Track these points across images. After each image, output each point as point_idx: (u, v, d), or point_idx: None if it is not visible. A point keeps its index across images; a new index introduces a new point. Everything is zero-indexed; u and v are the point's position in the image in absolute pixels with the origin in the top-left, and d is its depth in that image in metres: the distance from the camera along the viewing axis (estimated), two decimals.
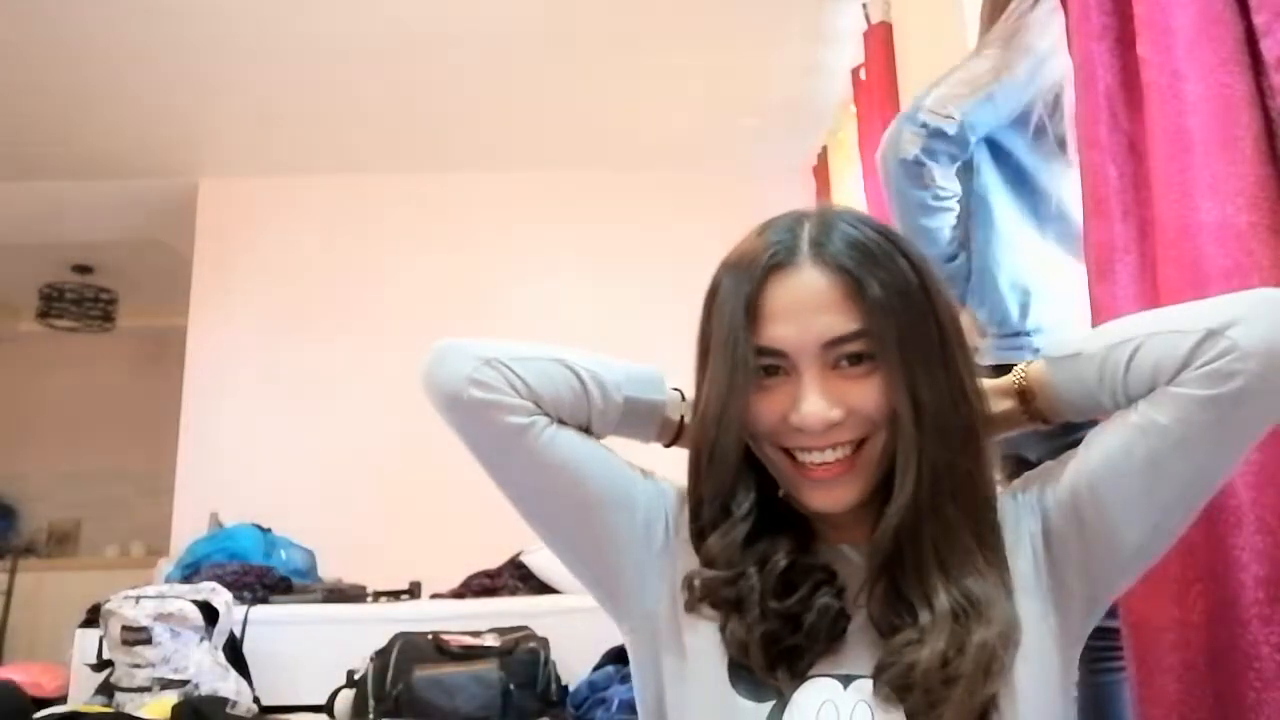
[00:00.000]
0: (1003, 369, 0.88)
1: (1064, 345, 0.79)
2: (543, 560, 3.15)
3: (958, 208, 1.45)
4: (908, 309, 0.76)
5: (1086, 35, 1.19)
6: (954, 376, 0.77)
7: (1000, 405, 0.82)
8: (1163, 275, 1.05)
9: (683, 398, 0.88)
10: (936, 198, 1.42)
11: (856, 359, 0.76)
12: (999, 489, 0.81)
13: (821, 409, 0.75)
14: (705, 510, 0.81)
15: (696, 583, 0.79)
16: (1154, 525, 0.74)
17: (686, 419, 0.87)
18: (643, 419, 0.87)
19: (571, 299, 3.98)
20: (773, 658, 0.74)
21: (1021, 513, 0.79)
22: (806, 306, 0.76)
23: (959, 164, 1.44)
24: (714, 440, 0.79)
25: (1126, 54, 1.15)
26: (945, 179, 1.42)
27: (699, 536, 0.82)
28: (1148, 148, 1.10)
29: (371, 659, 2.63)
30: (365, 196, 4.13)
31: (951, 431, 0.76)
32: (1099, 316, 1.15)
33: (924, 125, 1.40)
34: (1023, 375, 0.81)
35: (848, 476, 0.77)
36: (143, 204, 4.35)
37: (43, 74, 3.32)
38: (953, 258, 1.47)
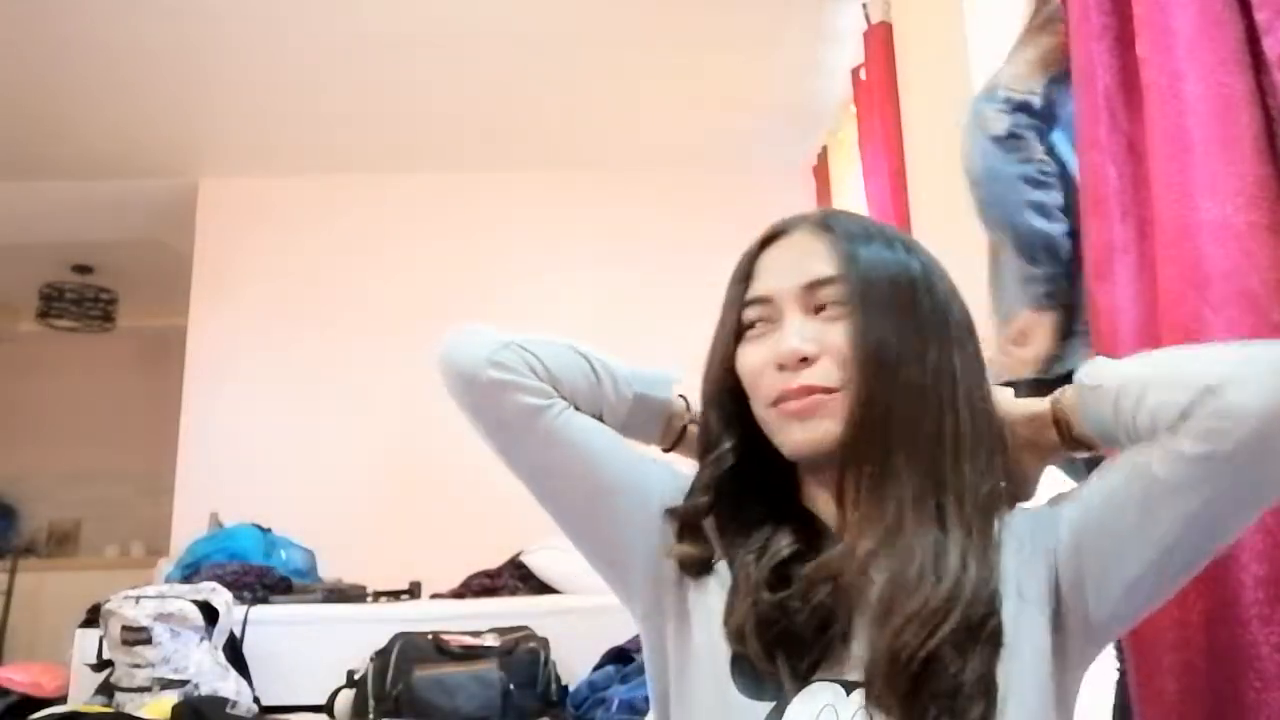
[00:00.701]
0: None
1: (1092, 374, 0.79)
2: (543, 560, 3.15)
3: (1061, 184, 1.39)
4: (894, 277, 0.80)
5: (1086, 35, 1.19)
6: (943, 357, 0.79)
7: (1044, 435, 0.82)
8: (1162, 275, 1.05)
9: (687, 406, 0.92)
10: (1042, 171, 1.38)
11: (829, 306, 0.80)
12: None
13: (796, 341, 0.79)
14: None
15: (677, 511, 0.83)
16: (1150, 562, 0.73)
17: (690, 426, 0.91)
18: (650, 417, 0.90)
19: (572, 299, 3.97)
20: (768, 644, 0.74)
21: (1041, 526, 0.79)
22: (792, 258, 0.83)
23: (1046, 140, 1.39)
24: (707, 395, 0.85)
25: (1126, 54, 1.15)
26: (1041, 153, 1.38)
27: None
28: (1147, 148, 1.10)
29: (371, 659, 2.63)
30: (365, 196, 4.13)
31: (923, 397, 0.78)
32: (1099, 317, 1.15)
33: (1007, 100, 1.37)
34: (1057, 402, 0.82)
35: (823, 412, 0.78)
36: (143, 204, 4.35)
37: (42, 73, 3.31)
38: (1072, 234, 1.37)
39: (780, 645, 0.74)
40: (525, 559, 3.22)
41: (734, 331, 0.84)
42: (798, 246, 0.84)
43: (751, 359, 0.82)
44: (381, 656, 2.62)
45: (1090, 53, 1.18)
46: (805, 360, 0.78)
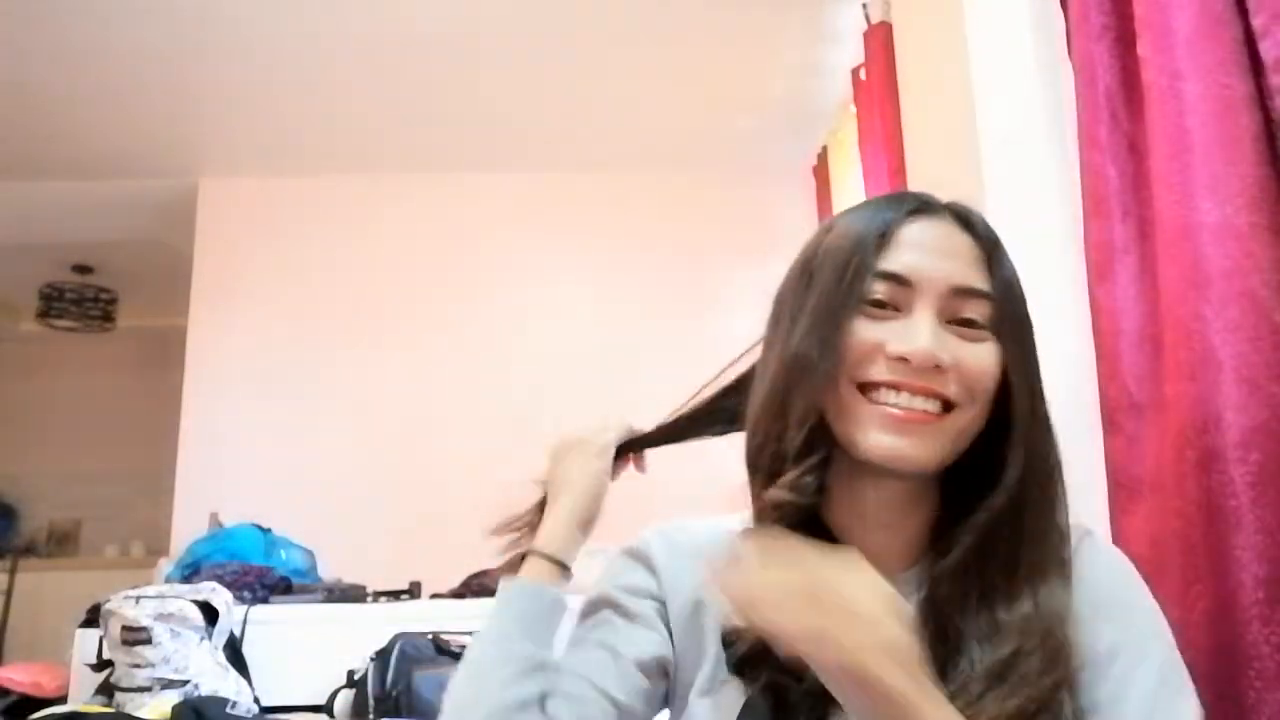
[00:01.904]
0: None
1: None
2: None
3: None
4: (1023, 304, 0.77)
5: (1086, 35, 1.19)
6: (1041, 397, 0.76)
7: None
8: (1163, 275, 1.05)
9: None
10: None
11: (970, 324, 0.74)
12: None
13: (934, 344, 0.71)
14: (765, 455, 0.76)
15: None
16: None
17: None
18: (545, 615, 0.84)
19: (572, 298, 3.98)
20: (775, 709, 0.71)
21: None
22: (943, 248, 0.75)
23: None
24: (790, 374, 0.73)
25: (1127, 54, 1.15)
26: None
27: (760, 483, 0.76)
28: (1148, 148, 1.10)
29: (371, 659, 2.62)
30: (366, 196, 4.13)
31: (1052, 442, 0.75)
32: (1099, 317, 1.15)
33: None
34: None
35: (928, 431, 0.72)
36: (143, 204, 4.34)
37: (43, 73, 3.31)
38: None
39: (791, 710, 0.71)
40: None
41: (857, 298, 0.73)
42: (944, 236, 0.76)
43: (866, 334, 0.73)
44: (381, 656, 2.62)
45: (1091, 53, 1.18)
46: (938, 368, 0.71)
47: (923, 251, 0.74)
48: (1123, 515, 1.11)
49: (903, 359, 0.71)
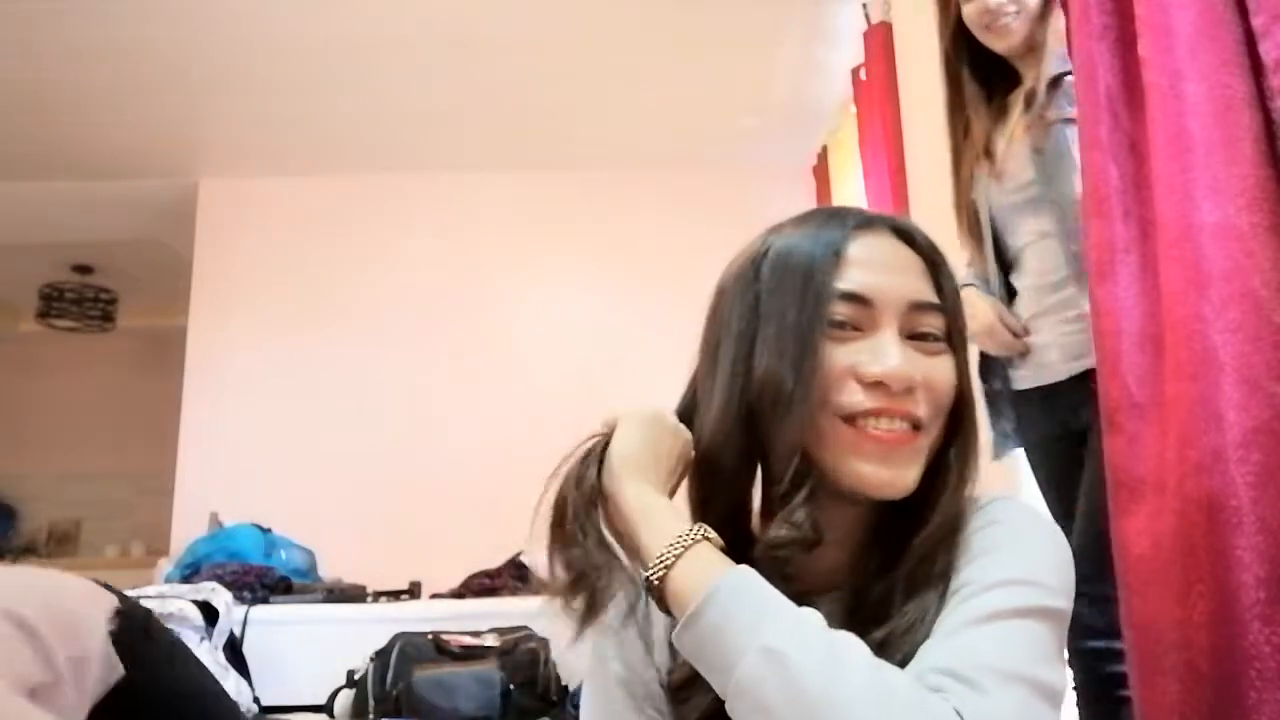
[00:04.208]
0: None
1: (718, 613, 0.65)
2: (543, 560, 3.15)
3: None
4: (964, 313, 0.77)
5: (1087, 35, 1.19)
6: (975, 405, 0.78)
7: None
8: (1164, 276, 1.05)
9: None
10: None
11: (925, 338, 0.74)
12: None
13: (907, 366, 0.71)
14: (724, 489, 0.75)
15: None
16: None
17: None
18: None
19: (572, 298, 3.98)
20: None
21: None
22: (894, 265, 0.74)
23: None
24: (780, 391, 0.71)
25: (1127, 54, 1.14)
26: None
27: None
28: (1148, 148, 1.09)
29: (371, 659, 2.63)
30: (365, 196, 4.13)
31: (978, 450, 0.76)
32: (1100, 317, 1.15)
33: None
34: (663, 564, 0.71)
35: (908, 451, 0.72)
36: (143, 204, 4.35)
37: (43, 74, 3.31)
38: None
39: None
40: (525, 559, 3.22)
41: (824, 321, 0.71)
42: (891, 251, 0.75)
43: (836, 358, 0.72)
44: (381, 656, 2.62)
45: (1091, 53, 1.18)
46: (909, 389, 0.71)
47: (876, 269, 0.73)
48: (1123, 515, 1.11)
49: (879, 382, 0.71)
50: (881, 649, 0.65)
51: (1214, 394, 0.95)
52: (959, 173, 1.66)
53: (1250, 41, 0.99)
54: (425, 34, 3.15)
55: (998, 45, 1.57)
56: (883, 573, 0.73)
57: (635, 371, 3.52)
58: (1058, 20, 1.46)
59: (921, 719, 0.57)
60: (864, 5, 2.89)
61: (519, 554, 3.25)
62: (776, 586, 0.66)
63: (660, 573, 0.67)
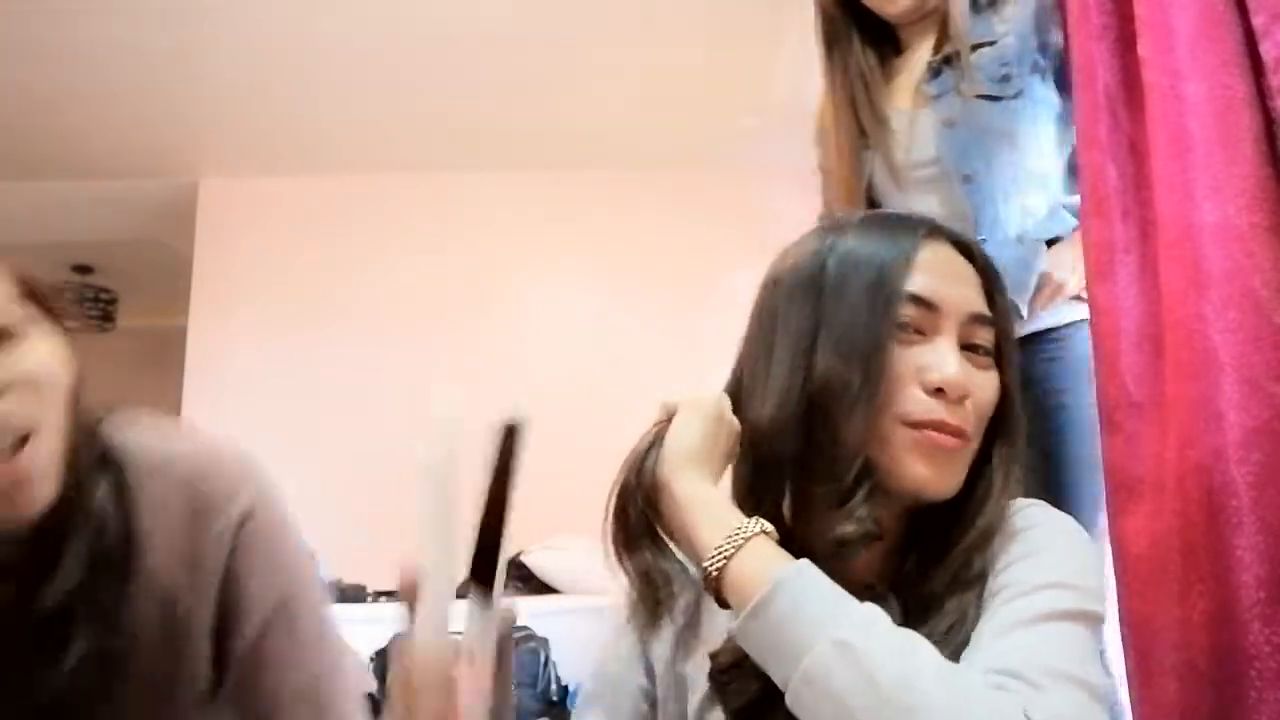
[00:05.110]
0: None
1: (780, 610, 0.66)
2: (543, 560, 3.15)
3: None
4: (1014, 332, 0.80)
5: (1086, 35, 1.19)
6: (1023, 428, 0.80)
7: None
8: (1163, 276, 1.05)
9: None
10: None
11: (977, 350, 0.76)
12: None
13: (963, 374, 0.73)
14: (774, 482, 0.76)
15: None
16: None
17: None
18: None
19: (572, 298, 3.98)
20: None
21: None
22: (957, 274, 0.77)
23: None
24: (847, 389, 0.71)
25: (1127, 54, 1.14)
26: None
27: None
28: (1148, 148, 1.09)
29: (371, 659, 2.63)
30: (365, 196, 4.13)
31: (1012, 476, 0.77)
32: (1099, 317, 1.15)
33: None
34: (723, 555, 0.71)
35: (956, 459, 0.74)
36: (143, 204, 4.34)
37: (43, 73, 3.31)
38: None
39: None
40: (525, 559, 3.22)
41: (892, 323, 0.73)
42: (953, 261, 0.77)
43: (900, 361, 0.73)
44: (381, 656, 2.62)
45: (1091, 52, 1.18)
46: (962, 399, 0.73)
47: (941, 276, 0.75)
48: (1122, 515, 1.11)
49: (939, 389, 0.73)
50: None
51: (1214, 394, 0.95)
52: (839, 143, 1.59)
53: (1250, 41, 0.99)
54: (424, 34, 3.15)
55: (890, 9, 1.50)
56: (922, 572, 0.74)
57: (636, 371, 3.52)
58: None
59: (994, 715, 0.58)
60: None
61: (519, 554, 3.25)
62: (848, 580, 0.68)
63: (720, 563, 0.68)
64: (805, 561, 0.67)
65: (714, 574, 0.68)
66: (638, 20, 3.12)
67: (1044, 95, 1.43)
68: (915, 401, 0.73)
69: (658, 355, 3.41)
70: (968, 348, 0.75)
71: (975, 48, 1.41)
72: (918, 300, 0.74)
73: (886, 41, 1.57)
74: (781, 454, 0.75)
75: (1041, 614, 0.66)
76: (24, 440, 0.75)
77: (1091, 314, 1.18)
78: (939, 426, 0.72)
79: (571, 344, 3.87)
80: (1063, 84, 1.41)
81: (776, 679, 0.64)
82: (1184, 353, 0.99)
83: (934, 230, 0.78)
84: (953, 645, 0.67)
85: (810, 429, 0.74)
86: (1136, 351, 1.10)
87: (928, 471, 0.73)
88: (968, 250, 0.79)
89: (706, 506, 0.72)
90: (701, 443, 0.76)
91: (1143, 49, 1.10)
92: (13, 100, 3.46)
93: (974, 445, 0.75)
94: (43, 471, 0.76)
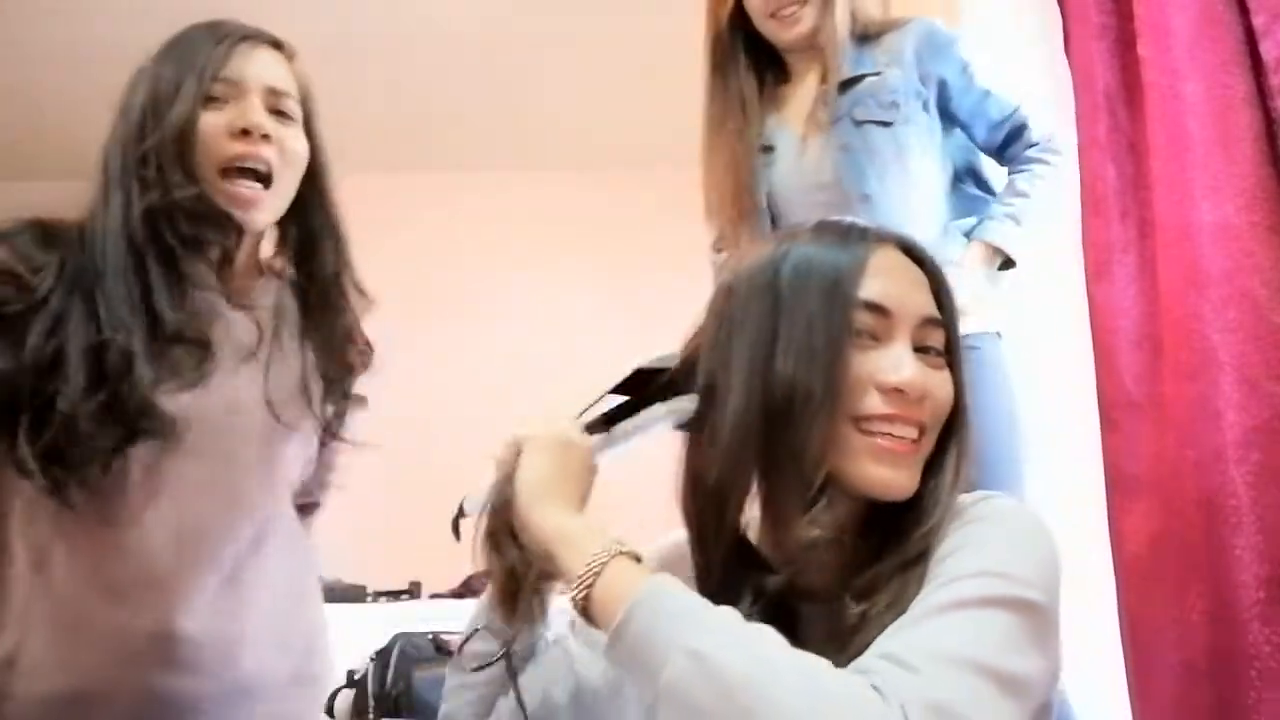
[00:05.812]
0: None
1: (641, 627, 0.67)
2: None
3: None
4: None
5: (1086, 35, 1.19)
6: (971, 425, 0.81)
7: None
8: (1162, 275, 1.05)
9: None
10: None
11: (928, 351, 0.77)
12: None
13: (921, 376, 0.74)
14: (735, 489, 0.77)
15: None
16: None
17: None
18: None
19: (570, 298, 3.98)
20: None
21: None
22: (906, 279, 0.78)
23: None
24: (809, 396, 0.72)
25: (1126, 54, 1.15)
26: None
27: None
28: (1148, 147, 1.10)
29: (371, 659, 2.63)
30: (365, 196, 4.09)
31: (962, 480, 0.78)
32: (1098, 316, 1.15)
33: None
34: (584, 584, 0.73)
35: (910, 460, 0.75)
36: None
37: (43, 73, 3.31)
38: None
39: None
40: None
41: (850, 329, 0.74)
42: (903, 266, 0.79)
43: (858, 366, 0.74)
44: (381, 656, 2.62)
45: (1090, 52, 1.18)
46: (920, 398, 0.74)
47: (894, 281, 0.77)
48: (1121, 514, 1.11)
49: (897, 390, 0.74)
50: (856, 629, 0.69)
51: (1213, 393, 0.95)
52: (727, 161, 1.73)
53: (1250, 41, 0.99)
54: (424, 34, 3.15)
55: (782, 36, 1.56)
56: (874, 558, 0.75)
57: None
58: (841, 13, 1.50)
59: (842, 695, 0.59)
60: None
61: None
62: (808, 583, 0.74)
63: (584, 592, 0.70)
64: (662, 576, 0.69)
65: (581, 603, 0.70)
66: (638, 19, 3.12)
67: (927, 122, 1.50)
68: (873, 406, 0.74)
69: (653, 349, 3.41)
70: (921, 350, 0.76)
71: (861, 78, 1.49)
72: (872, 306, 0.75)
73: (769, 69, 1.65)
74: (744, 460, 0.77)
75: (960, 600, 0.66)
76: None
77: (1090, 313, 1.18)
78: (892, 419, 0.74)
79: (571, 343, 3.87)
80: (944, 111, 1.51)
81: (646, 698, 0.65)
82: (1183, 352, 1.00)
83: (883, 236, 0.80)
84: (884, 624, 0.68)
85: (771, 435, 0.75)
86: (1135, 351, 1.10)
87: (887, 473, 0.74)
88: (916, 254, 0.80)
89: (566, 537, 0.74)
90: (553, 473, 0.79)
91: (1142, 49, 1.10)
92: (13, 100, 3.46)
93: (929, 445, 0.76)
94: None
